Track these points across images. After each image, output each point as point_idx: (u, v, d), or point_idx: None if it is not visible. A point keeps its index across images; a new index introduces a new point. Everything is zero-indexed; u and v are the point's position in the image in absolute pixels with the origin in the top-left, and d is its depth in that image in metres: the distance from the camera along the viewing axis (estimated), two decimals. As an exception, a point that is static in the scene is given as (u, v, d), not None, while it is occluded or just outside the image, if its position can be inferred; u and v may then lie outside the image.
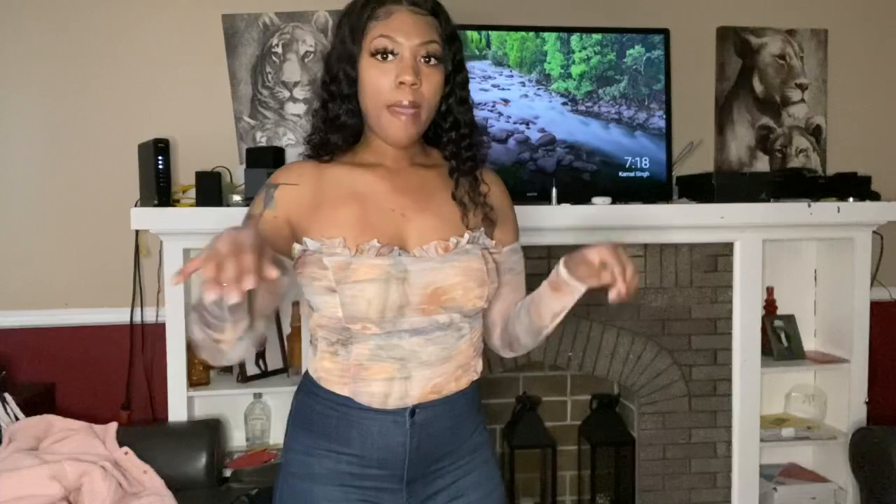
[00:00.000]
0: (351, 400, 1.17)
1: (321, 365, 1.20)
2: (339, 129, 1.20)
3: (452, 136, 1.22)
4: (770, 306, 2.81)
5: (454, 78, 1.20)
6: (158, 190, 2.28)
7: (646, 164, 2.59)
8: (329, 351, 1.19)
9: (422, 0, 1.16)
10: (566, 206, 2.38)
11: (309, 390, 1.23)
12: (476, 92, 2.44)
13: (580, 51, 2.56)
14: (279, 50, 2.61)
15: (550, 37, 2.54)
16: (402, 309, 1.13)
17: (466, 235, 1.20)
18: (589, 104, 2.58)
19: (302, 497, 1.19)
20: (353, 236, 1.13)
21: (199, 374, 2.42)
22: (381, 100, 1.13)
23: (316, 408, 1.21)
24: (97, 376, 2.55)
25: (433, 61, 1.14)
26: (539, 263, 2.29)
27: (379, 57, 1.13)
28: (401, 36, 1.12)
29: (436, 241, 1.17)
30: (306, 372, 1.27)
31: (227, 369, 2.55)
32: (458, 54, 1.20)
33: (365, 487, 1.18)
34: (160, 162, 2.28)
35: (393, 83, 1.12)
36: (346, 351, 1.16)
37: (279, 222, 1.15)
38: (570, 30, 2.56)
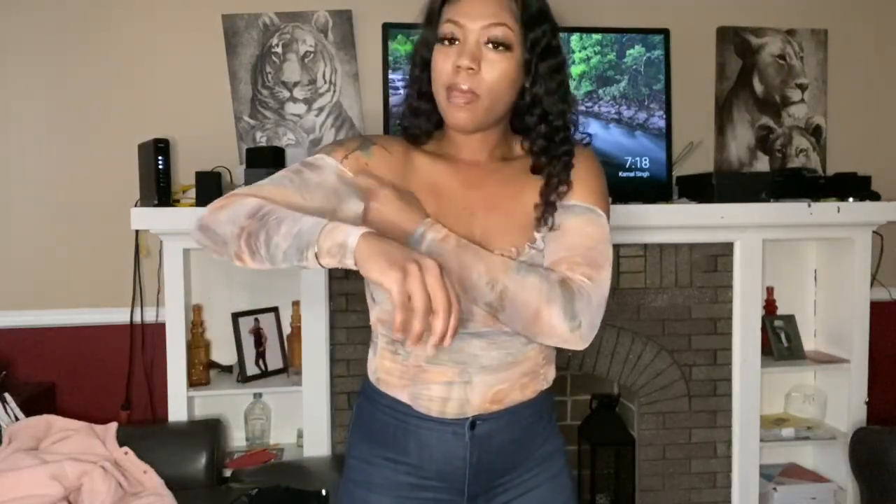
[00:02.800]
0: (409, 408, 1.14)
1: (381, 364, 1.17)
2: (415, 114, 1.17)
3: (542, 130, 1.13)
4: (770, 306, 2.81)
5: (537, 65, 1.11)
6: (158, 190, 2.28)
7: (646, 164, 2.59)
8: (389, 349, 1.16)
9: None
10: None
11: (369, 395, 1.20)
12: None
13: (580, 51, 2.56)
14: (279, 50, 2.61)
15: (550, 37, 2.54)
16: (465, 322, 1.11)
17: (538, 239, 1.13)
18: (589, 104, 2.58)
19: None
20: None
21: (199, 374, 2.42)
22: (440, 84, 1.09)
23: (375, 414, 1.18)
24: (97, 376, 2.56)
25: (500, 47, 1.07)
26: (539, 263, 2.29)
27: (446, 42, 1.09)
28: (465, 19, 1.07)
29: (499, 248, 1.10)
30: (366, 376, 1.23)
31: (227, 369, 2.55)
32: (546, 39, 1.12)
33: (423, 499, 1.15)
34: (160, 162, 2.28)
35: (452, 67, 1.07)
36: (406, 351, 1.13)
37: (370, 170, 1.11)
38: (570, 30, 2.56)
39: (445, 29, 1.09)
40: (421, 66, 1.15)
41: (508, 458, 1.17)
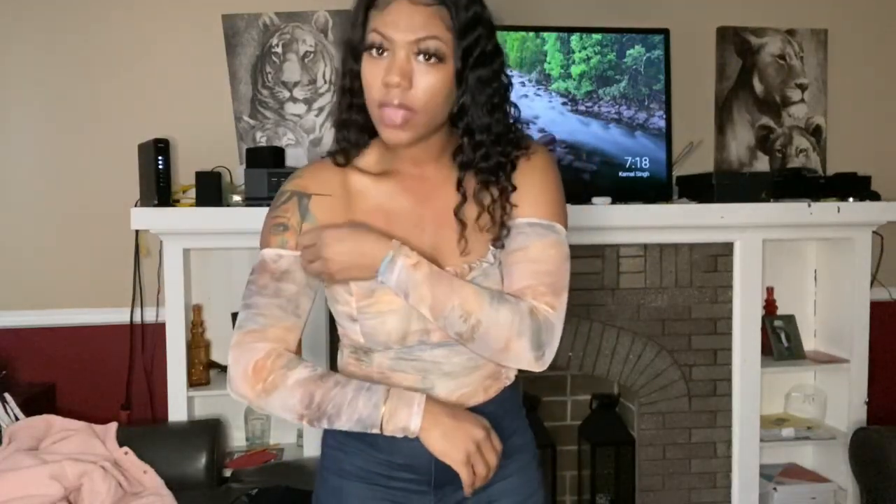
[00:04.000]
0: None
1: (347, 370, 1.20)
2: (346, 126, 1.12)
3: (465, 143, 1.09)
4: (770, 306, 2.81)
5: (467, 75, 1.05)
6: (158, 190, 2.28)
7: (646, 164, 2.59)
8: (353, 357, 1.18)
9: None
10: (566, 206, 2.38)
11: None
12: (476, 92, 2.44)
13: (580, 51, 2.56)
14: (279, 50, 2.61)
15: (550, 37, 2.54)
16: (424, 337, 1.11)
17: (488, 253, 1.12)
18: (589, 104, 2.58)
19: (333, 492, 1.20)
20: None
21: (199, 374, 2.42)
22: (373, 98, 1.04)
23: None
24: (97, 376, 2.55)
25: (431, 59, 1.01)
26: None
27: (374, 52, 1.03)
28: (392, 31, 1.01)
29: (451, 265, 1.11)
30: (338, 370, 1.25)
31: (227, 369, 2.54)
32: (479, 47, 1.05)
33: (393, 488, 1.18)
34: (160, 162, 2.28)
35: (381, 82, 1.02)
36: (369, 359, 1.15)
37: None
38: (570, 30, 2.56)
39: (373, 38, 1.03)
40: (351, 77, 1.09)
41: None
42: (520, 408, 1.28)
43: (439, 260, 1.10)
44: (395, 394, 1.04)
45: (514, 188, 1.12)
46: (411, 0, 1.01)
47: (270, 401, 1.05)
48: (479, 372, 1.16)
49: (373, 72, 1.03)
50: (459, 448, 1.03)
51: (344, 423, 1.03)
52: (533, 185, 1.13)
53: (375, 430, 1.03)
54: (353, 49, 1.07)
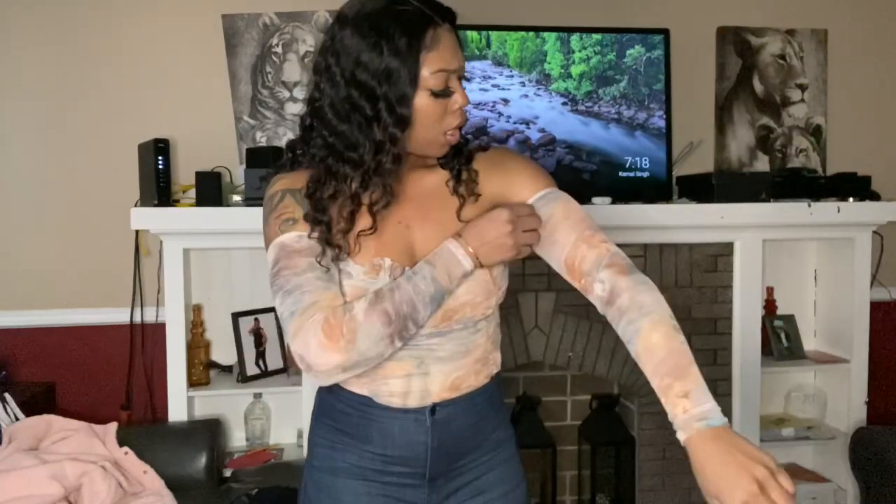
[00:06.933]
0: (371, 399, 1.18)
1: None
2: (386, 175, 1.10)
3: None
4: (770, 306, 2.81)
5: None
6: (158, 190, 2.28)
7: (646, 164, 2.59)
8: None
9: (448, 9, 1.11)
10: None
11: (329, 388, 1.23)
12: (476, 92, 2.44)
13: (580, 51, 2.56)
14: (279, 50, 2.61)
15: (550, 37, 2.54)
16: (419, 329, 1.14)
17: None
18: (589, 104, 2.58)
19: (325, 490, 1.20)
20: (369, 257, 1.12)
21: (199, 374, 2.42)
22: (439, 129, 1.11)
23: (337, 406, 1.22)
24: (97, 376, 2.56)
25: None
26: (539, 264, 2.28)
27: (439, 95, 1.09)
28: (454, 63, 1.10)
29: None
30: None
31: (227, 369, 2.55)
32: None
33: (387, 483, 1.20)
34: (160, 162, 2.28)
35: (449, 110, 1.11)
36: None
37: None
38: (570, 30, 2.56)
39: (439, 82, 1.08)
40: (400, 125, 1.07)
41: (466, 441, 1.23)
42: (502, 402, 1.33)
43: (425, 250, 1.15)
44: (434, 257, 1.10)
45: (477, 172, 1.20)
46: (448, 28, 1.10)
47: (359, 346, 1.04)
48: (470, 356, 1.20)
49: (439, 108, 1.10)
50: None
51: (424, 314, 1.09)
52: (509, 172, 1.21)
53: (449, 293, 1.11)
54: (404, 99, 1.07)
